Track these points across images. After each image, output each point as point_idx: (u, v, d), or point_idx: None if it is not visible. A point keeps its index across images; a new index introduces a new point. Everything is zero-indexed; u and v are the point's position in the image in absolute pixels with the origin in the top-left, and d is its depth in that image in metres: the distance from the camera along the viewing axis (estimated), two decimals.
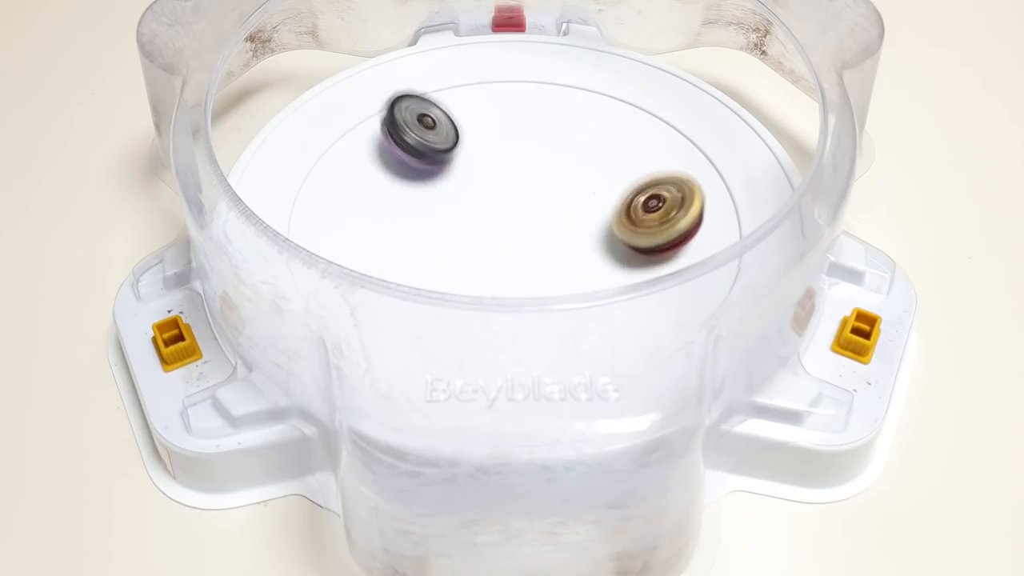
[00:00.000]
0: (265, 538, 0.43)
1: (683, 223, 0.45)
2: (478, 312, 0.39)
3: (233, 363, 0.45)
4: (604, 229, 0.48)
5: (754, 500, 0.44)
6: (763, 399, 0.43)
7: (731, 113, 0.52)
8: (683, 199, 0.46)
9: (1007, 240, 0.52)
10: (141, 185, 0.54)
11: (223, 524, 0.44)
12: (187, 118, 0.45)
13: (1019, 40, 0.61)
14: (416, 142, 0.49)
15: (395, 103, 0.50)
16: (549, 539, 0.39)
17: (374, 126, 0.52)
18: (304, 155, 0.51)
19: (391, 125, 0.49)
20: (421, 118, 0.50)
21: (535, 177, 0.50)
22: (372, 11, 0.55)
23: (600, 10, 0.56)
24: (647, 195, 0.47)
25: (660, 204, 0.46)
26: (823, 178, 0.43)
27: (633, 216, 0.46)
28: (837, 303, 0.47)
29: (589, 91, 0.54)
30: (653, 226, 0.46)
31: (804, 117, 0.54)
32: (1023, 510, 0.44)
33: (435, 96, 0.51)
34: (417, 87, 0.53)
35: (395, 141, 0.49)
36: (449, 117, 0.51)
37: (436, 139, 0.50)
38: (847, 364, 0.45)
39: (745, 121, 0.52)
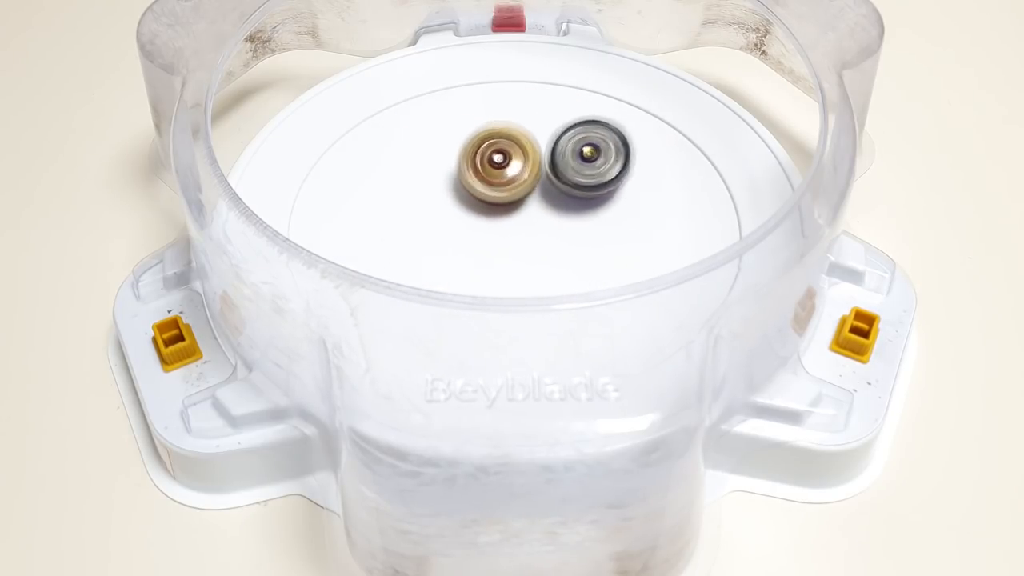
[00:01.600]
0: (265, 538, 0.43)
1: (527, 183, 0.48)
2: (478, 312, 0.39)
3: (233, 363, 0.45)
4: (604, 229, 0.48)
5: (754, 500, 0.44)
6: (763, 399, 0.43)
7: (731, 113, 0.52)
8: (524, 153, 0.48)
9: (1007, 240, 0.52)
10: (141, 185, 0.54)
11: (223, 524, 0.44)
12: (187, 118, 0.45)
13: (1019, 40, 0.61)
14: (577, 181, 0.48)
15: (558, 140, 0.48)
16: (549, 539, 0.39)
17: (374, 126, 0.52)
18: (304, 155, 0.51)
19: (552, 168, 0.48)
20: (581, 150, 0.48)
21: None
22: (372, 11, 0.55)
23: (600, 10, 0.56)
24: (492, 149, 0.48)
25: (507, 160, 0.48)
26: (823, 178, 0.43)
27: (482, 170, 0.48)
28: (837, 303, 0.47)
29: (589, 91, 0.54)
30: (500, 180, 0.48)
31: (804, 117, 0.54)
32: (1023, 510, 0.44)
33: (603, 115, 0.49)
34: (417, 87, 0.54)
35: (558, 184, 0.48)
36: (617, 132, 0.48)
37: (598, 170, 0.48)
38: (847, 364, 0.45)
39: (745, 121, 0.52)
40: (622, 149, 0.48)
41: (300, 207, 0.49)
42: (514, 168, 0.48)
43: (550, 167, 0.48)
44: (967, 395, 0.47)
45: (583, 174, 0.48)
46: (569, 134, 0.48)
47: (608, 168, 0.48)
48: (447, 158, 0.51)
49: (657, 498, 0.39)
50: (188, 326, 0.45)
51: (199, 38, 0.49)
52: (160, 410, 0.44)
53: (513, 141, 0.48)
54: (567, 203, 0.49)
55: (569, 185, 0.48)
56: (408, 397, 0.38)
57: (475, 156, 0.48)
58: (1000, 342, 0.48)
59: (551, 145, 0.48)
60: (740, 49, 0.55)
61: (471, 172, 0.48)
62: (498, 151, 0.48)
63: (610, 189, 0.48)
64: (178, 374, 0.45)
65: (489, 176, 0.48)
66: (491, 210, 0.49)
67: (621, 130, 0.48)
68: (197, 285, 0.47)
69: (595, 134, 0.48)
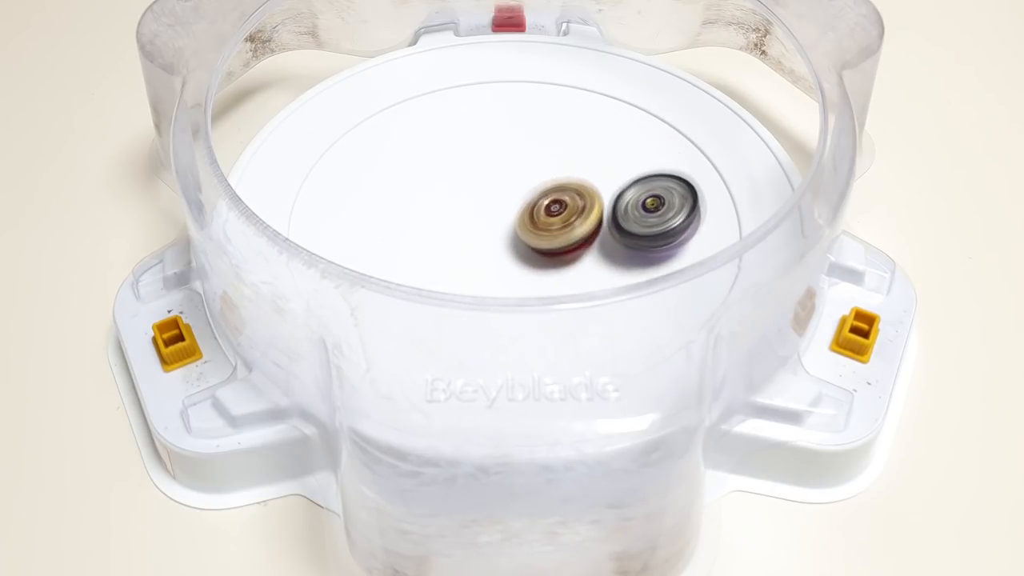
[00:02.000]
0: (265, 538, 0.43)
1: (581, 229, 0.46)
2: (478, 312, 0.39)
3: (233, 363, 0.45)
4: (604, 229, 0.48)
5: (754, 500, 0.44)
6: (763, 399, 0.43)
7: (731, 113, 0.52)
8: (584, 206, 0.46)
9: (1007, 240, 0.52)
10: (141, 185, 0.54)
11: (223, 524, 0.43)
12: (187, 118, 0.45)
13: (1019, 40, 0.61)
14: (640, 231, 0.46)
15: (617, 199, 0.47)
16: (549, 539, 0.39)
17: (374, 126, 0.52)
18: (304, 155, 0.51)
19: (615, 225, 0.46)
20: (645, 202, 0.47)
21: (535, 177, 0.50)
22: (372, 11, 0.55)
23: (600, 10, 0.56)
24: (550, 199, 0.47)
25: (562, 209, 0.46)
26: (823, 178, 0.43)
27: (536, 219, 0.47)
28: (837, 303, 0.47)
29: (589, 91, 0.54)
30: (554, 230, 0.46)
31: (804, 117, 0.54)
32: (1023, 510, 0.44)
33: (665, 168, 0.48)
34: (417, 87, 0.54)
35: (621, 238, 0.46)
36: (683, 181, 0.47)
37: (663, 219, 0.46)
38: (847, 364, 0.45)
39: (745, 121, 0.52)
40: (688, 199, 0.46)
41: (300, 207, 0.49)
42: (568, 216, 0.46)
43: (612, 222, 0.47)
44: (967, 395, 0.47)
45: (645, 224, 0.46)
46: (634, 188, 0.47)
47: (673, 217, 0.46)
48: (447, 158, 0.51)
49: (657, 498, 0.39)
50: (188, 326, 0.45)
51: (199, 38, 0.49)
52: (160, 410, 0.44)
53: (576, 193, 0.47)
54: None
55: (632, 237, 0.46)
56: (408, 397, 0.38)
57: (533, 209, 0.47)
58: (1000, 342, 0.48)
59: (613, 200, 0.47)
60: (740, 49, 0.55)
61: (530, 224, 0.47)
62: (556, 201, 0.47)
63: (678, 239, 0.46)
64: (178, 374, 0.45)
65: (542, 226, 0.47)
66: (491, 211, 0.49)
67: (689, 180, 0.47)
68: (197, 285, 0.47)
69: (660, 185, 0.47)
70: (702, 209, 0.46)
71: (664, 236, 0.46)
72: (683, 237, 0.46)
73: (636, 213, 0.46)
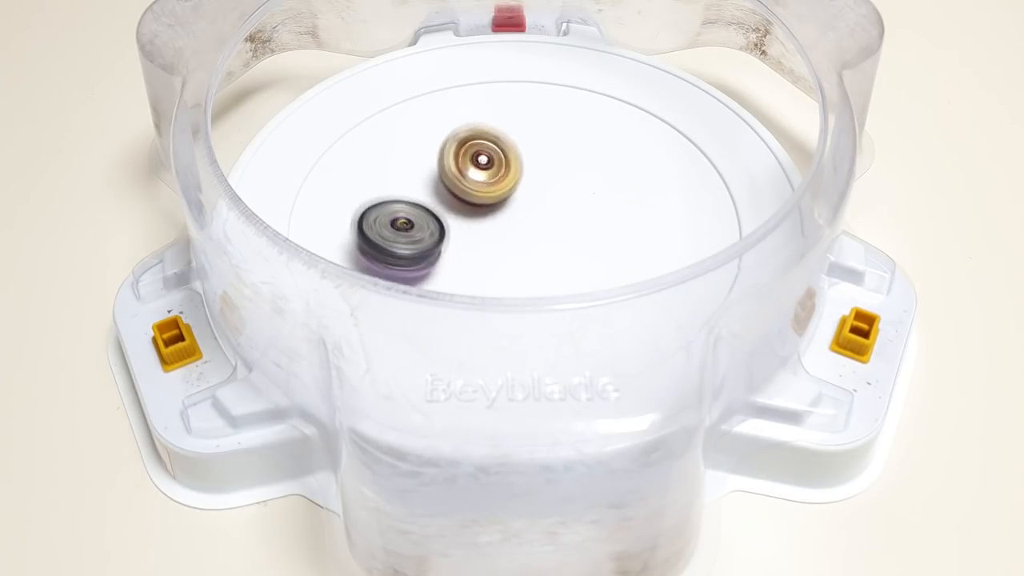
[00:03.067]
0: (265, 538, 0.43)
1: (507, 185, 0.48)
2: (478, 312, 0.39)
3: (233, 363, 0.45)
4: (604, 229, 0.48)
5: (754, 500, 0.44)
6: (763, 399, 0.43)
7: (731, 113, 0.52)
8: (506, 161, 0.48)
9: (1007, 240, 0.52)
10: (141, 185, 0.54)
11: (223, 524, 0.43)
12: (187, 118, 0.45)
13: (1019, 40, 0.61)
14: (396, 249, 0.45)
15: (361, 219, 0.46)
16: (549, 539, 0.39)
17: (374, 126, 0.52)
18: (304, 155, 0.51)
19: (366, 244, 0.45)
20: (393, 222, 0.46)
21: (535, 177, 0.50)
22: (372, 11, 0.55)
23: (600, 10, 0.56)
24: (474, 151, 0.48)
25: (489, 164, 0.48)
26: (823, 178, 0.43)
27: (461, 166, 0.48)
28: (837, 303, 0.47)
29: (589, 91, 0.54)
30: (482, 181, 0.48)
31: (804, 117, 0.54)
32: (1023, 510, 0.44)
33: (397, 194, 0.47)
34: (417, 87, 0.54)
35: (374, 257, 0.45)
36: (422, 209, 0.47)
37: (414, 239, 0.46)
38: (847, 364, 0.45)
39: (745, 121, 0.52)
40: (436, 225, 0.46)
41: (300, 207, 0.49)
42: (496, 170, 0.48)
43: (358, 230, 0.46)
44: (967, 395, 0.47)
45: (399, 243, 0.45)
46: (373, 213, 0.46)
47: (425, 237, 0.46)
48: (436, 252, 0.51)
49: (657, 498, 0.39)
50: (188, 326, 0.45)
51: (199, 38, 0.49)
52: (160, 410, 0.44)
53: (494, 143, 0.48)
54: (567, 203, 0.49)
55: (375, 248, 0.45)
56: (408, 397, 0.38)
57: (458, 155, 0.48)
58: (1000, 342, 0.48)
59: (356, 221, 0.46)
60: (740, 49, 0.55)
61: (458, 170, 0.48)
62: (480, 153, 0.48)
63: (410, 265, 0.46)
64: (178, 374, 0.45)
65: (474, 175, 0.48)
66: (491, 210, 0.49)
67: (440, 219, 0.47)
68: (197, 285, 0.47)
69: (413, 212, 0.46)
70: (442, 251, 0.46)
71: (409, 258, 0.45)
72: (421, 267, 0.46)
73: (384, 230, 0.46)
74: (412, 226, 0.46)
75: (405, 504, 0.38)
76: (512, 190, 0.48)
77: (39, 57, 0.60)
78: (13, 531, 0.43)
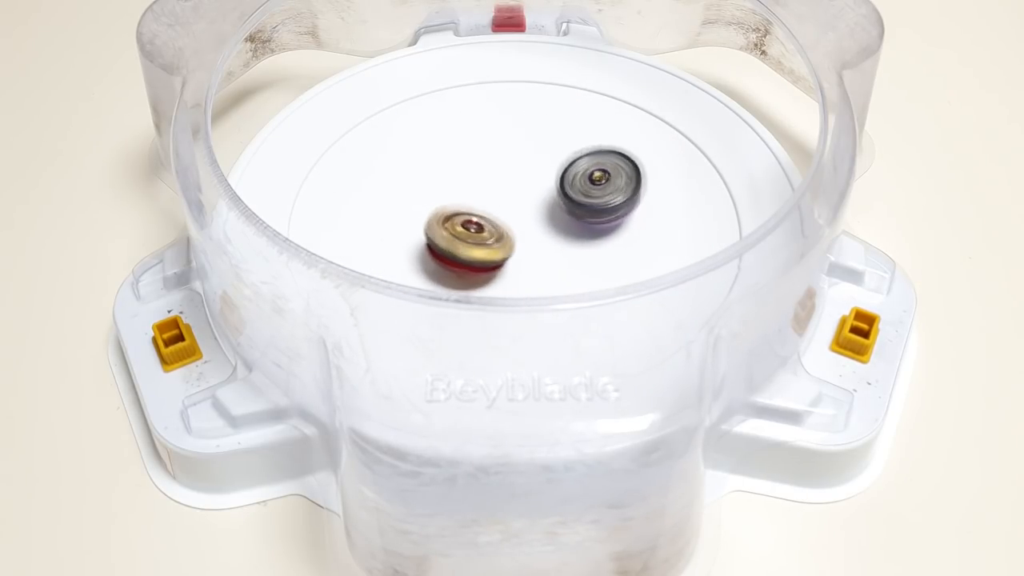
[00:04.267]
0: (265, 538, 0.43)
1: (498, 253, 0.46)
2: (478, 312, 0.39)
3: (233, 363, 0.45)
4: (604, 229, 0.48)
5: (754, 500, 0.44)
6: (763, 399, 0.43)
7: (731, 113, 0.52)
8: (500, 235, 0.46)
9: (1007, 240, 0.52)
10: (141, 185, 0.54)
11: (223, 524, 0.44)
12: (187, 118, 0.45)
13: (1019, 40, 0.61)
14: (583, 202, 0.47)
15: (568, 167, 0.48)
16: (549, 539, 0.39)
17: (374, 126, 0.52)
18: (304, 155, 0.51)
19: (562, 191, 0.47)
20: (591, 175, 0.47)
21: (535, 177, 0.50)
22: (372, 11, 0.55)
23: (600, 10, 0.56)
24: (464, 219, 0.46)
25: (480, 230, 0.46)
26: (823, 178, 0.43)
27: (450, 229, 0.46)
28: (837, 303, 0.47)
29: (589, 91, 0.54)
30: (470, 242, 0.46)
31: (804, 117, 0.54)
32: (1023, 510, 0.44)
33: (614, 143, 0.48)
34: (417, 87, 0.54)
35: (565, 204, 0.47)
36: (629, 160, 0.48)
37: (606, 193, 0.47)
38: (847, 364, 0.45)
39: (745, 121, 0.52)
40: (633, 178, 0.47)
41: (300, 207, 0.49)
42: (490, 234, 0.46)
43: (559, 188, 0.47)
44: (967, 395, 0.47)
45: (590, 196, 0.47)
46: (584, 160, 0.48)
47: (615, 194, 0.47)
48: (447, 158, 0.51)
49: (657, 498, 0.39)
50: (188, 326, 0.45)
51: (199, 38, 0.49)
52: (160, 410, 0.44)
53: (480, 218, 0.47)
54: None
55: (575, 206, 0.47)
56: (408, 397, 0.38)
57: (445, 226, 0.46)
58: (1000, 342, 0.48)
59: (564, 167, 0.48)
60: (740, 49, 0.55)
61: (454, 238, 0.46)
62: (468, 223, 0.46)
63: (617, 215, 0.47)
64: (178, 374, 0.45)
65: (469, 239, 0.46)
66: (491, 209, 0.49)
67: (635, 160, 0.48)
68: (197, 285, 0.47)
69: (608, 161, 0.48)
70: (643, 188, 0.47)
71: (604, 211, 0.47)
72: (620, 213, 0.47)
73: (582, 184, 0.47)
74: (608, 176, 0.47)
75: (405, 504, 0.38)
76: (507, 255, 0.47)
77: (39, 57, 0.60)
78: (14, 531, 0.43)
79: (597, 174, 0.47)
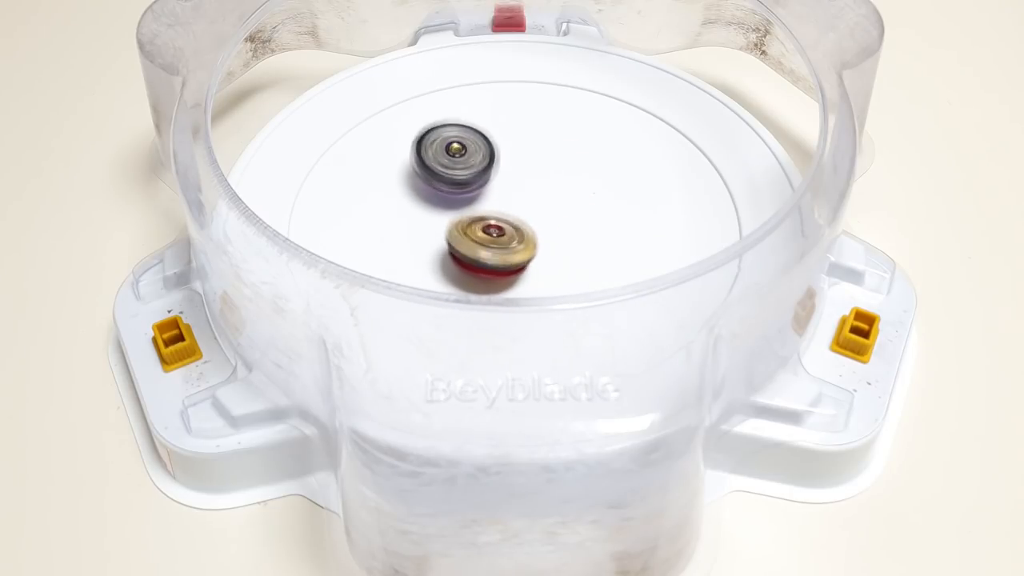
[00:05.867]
0: (265, 538, 0.43)
1: (521, 256, 0.46)
2: (478, 312, 0.39)
3: (233, 363, 0.45)
4: (604, 229, 0.48)
5: (754, 500, 0.44)
6: (763, 399, 0.43)
7: (731, 113, 0.52)
8: (522, 236, 0.46)
9: (1007, 240, 0.52)
10: (141, 185, 0.54)
11: (223, 524, 0.44)
12: (187, 118, 0.45)
13: (1019, 40, 0.61)
14: (444, 172, 0.48)
15: (421, 139, 0.49)
16: (549, 539, 0.39)
17: (374, 126, 0.52)
18: (304, 155, 0.51)
19: (420, 163, 0.49)
20: (448, 146, 0.49)
21: (535, 177, 0.50)
22: (372, 11, 0.55)
23: (600, 10, 0.56)
24: (484, 224, 0.46)
25: (501, 234, 0.46)
26: (823, 178, 0.43)
27: (471, 234, 0.46)
28: (837, 303, 0.47)
29: (589, 91, 0.54)
30: (493, 247, 0.46)
31: (804, 117, 0.54)
32: (1023, 510, 0.44)
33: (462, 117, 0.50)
34: (417, 87, 0.54)
35: (424, 177, 0.49)
36: (482, 136, 0.49)
37: (464, 164, 0.49)
38: (847, 364, 0.45)
39: (745, 121, 0.52)
40: (487, 150, 0.49)
41: (300, 207, 0.49)
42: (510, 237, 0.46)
43: (419, 165, 0.49)
44: (967, 395, 0.47)
45: (453, 168, 0.48)
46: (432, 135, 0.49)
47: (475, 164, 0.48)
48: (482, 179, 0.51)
49: (657, 498, 0.39)
50: (188, 326, 0.45)
51: (199, 38, 0.49)
52: (160, 410, 0.44)
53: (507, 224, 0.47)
54: (567, 203, 0.49)
55: (436, 179, 0.48)
56: (408, 397, 0.38)
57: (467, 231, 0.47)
58: (1000, 342, 0.48)
59: (418, 138, 0.49)
60: (740, 49, 0.55)
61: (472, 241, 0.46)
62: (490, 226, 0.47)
63: (476, 185, 0.49)
64: (178, 374, 0.45)
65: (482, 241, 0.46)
66: (491, 210, 0.49)
67: (488, 136, 0.49)
68: (197, 285, 0.47)
69: (461, 135, 0.49)
70: (495, 165, 0.49)
71: (460, 184, 0.48)
72: (473, 187, 0.49)
73: (439, 155, 0.49)
74: (465, 151, 0.49)
75: (405, 504, 0.38)
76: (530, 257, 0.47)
77: (39, 57, 0.60)
78: (13, 531, 0.43)
79: (455, 146, 0.49)
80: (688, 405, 0.38)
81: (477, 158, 0.49)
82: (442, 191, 0.49)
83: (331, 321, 0.39)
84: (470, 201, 0.49)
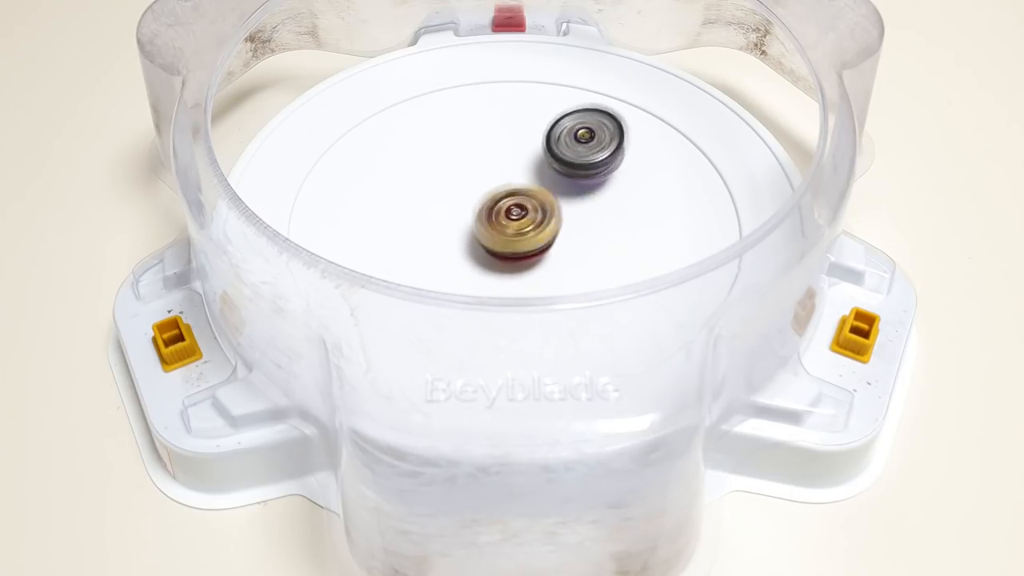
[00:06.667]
0: (265, 538, 0.43)
1: (544, 235, 0.46)
2: (478, 312, 0.39)
3: (233, 363, 0.45)
4: (604, 229, 0.48)
5: (754, 500, 0.44)
6: (763, 399, 0.43)
7: (731, 113, 0.52)
8: (544, 215, 0.46)
9: (1007, 240, 0.52)
10: (141, 185, 0.54)
11: (223, 524, 0.44)
12: (187, 118, 0.45)
13: (1019, 40, 0.61)
14: (570, 160, 0.49)
15: (553, 126, 0.49)
16: (549, 539, 0.39)
17: (374, 126, 0.52)
18: (304, 155, 0.51)
19: (547, 149, 0.49)
20: (577, 132, 0.49)
21: (535, 177, 0.50)
22: (372, 11, 0.55)
23: (600, 10, 0.56)
24: (511, 202, 0.47)
25: (524, 213, 0.46)
26: (823, 178, 0.43)
27: (495, 220, 0.46)
28: (837, 303, 0.47)
29: (589, 91, 0.54)
30: (513, 234, 0.46)
31: (804, 117, 0.54)
32: (1023, 510, 0.44)
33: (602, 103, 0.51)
34: (417, 87, 0.54)
35: (553, 164, 0.49)
36: (615, 119, 0.50)
37: (591, 150, 0.49)
38: (847, 364, 0.45)
39: (745, 121, 0.52)
40: (616, 135, 0.49)
41: (300, 207, 0.49)
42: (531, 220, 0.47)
43: (546, 148, 0.49)
44: (967, 395, 0.47)
45: (577, 154, 0.49)
46: (569, 118, 0.49)
47: (601, 151, 0.49)
48: (447, 158, 0.51)
49: (657, 498, 0.39)
50: (188, 326, 0.46)
51: (199, 38, 0.49)
52: (160, 410, 0.44)
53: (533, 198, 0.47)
54: (568, 204, 0.49)
55: (562, 164, 0.49)
56: (408, 397, 0.38)
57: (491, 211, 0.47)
58: (1000, 342, 0.48)
59: (549, 126, 0.49)
60: (740, 49, 0.55)
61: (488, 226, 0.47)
62: (516, 205, 0.47)
63: (602, 171, 0.49)
64: (178, 374, 0.45)
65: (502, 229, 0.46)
66: None
67: (618, 118, 0.49)
68: (197, 285, 0.47)
69: (593, 120, 0.49)
70: (626, 145, 0.49)
71: (591, 167, 0.49)
72: (607, 169, 0.49)
73: (568, 141, 0.49)
74: (593, 135, 0.49)
75: (405, 504, 0.38)
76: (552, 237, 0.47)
77: (39, 57, 0.60)
78: (12, 531, 0.43)
79: (582, 132, 0.49)
80: (688, 405, 0.38)
81: (606, 138, 0.49)
82: (582, 180, 0.49)
83: (331, 321, 0.39)
84: (605, 181, 0.50)
